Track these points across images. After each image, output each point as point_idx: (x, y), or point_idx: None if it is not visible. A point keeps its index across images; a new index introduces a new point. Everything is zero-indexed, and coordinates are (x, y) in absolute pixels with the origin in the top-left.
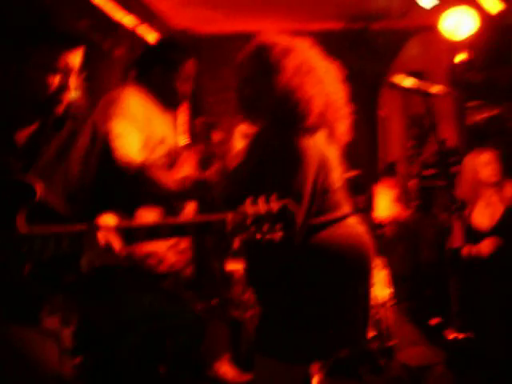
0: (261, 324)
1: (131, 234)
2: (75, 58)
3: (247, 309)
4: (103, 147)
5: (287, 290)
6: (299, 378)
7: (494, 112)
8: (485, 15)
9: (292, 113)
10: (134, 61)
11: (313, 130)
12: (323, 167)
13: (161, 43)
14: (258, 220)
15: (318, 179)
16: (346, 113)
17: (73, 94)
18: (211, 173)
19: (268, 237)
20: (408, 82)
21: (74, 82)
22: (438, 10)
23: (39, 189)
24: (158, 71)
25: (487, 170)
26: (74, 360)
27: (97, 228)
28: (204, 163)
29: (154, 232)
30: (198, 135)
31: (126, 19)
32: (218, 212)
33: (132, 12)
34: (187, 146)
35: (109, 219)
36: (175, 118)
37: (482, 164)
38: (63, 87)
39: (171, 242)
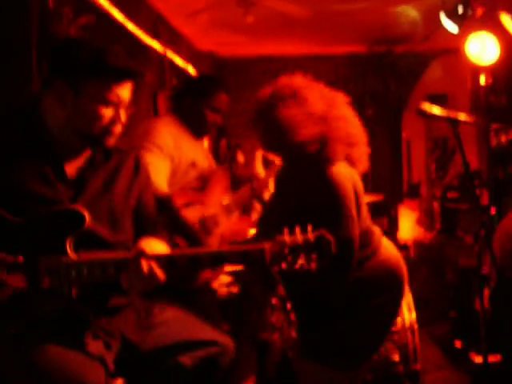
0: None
1: (173, 263)
2: (126, 91)
3: (274, 331)
4: (146, 179)
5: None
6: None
7: None
8: (507, 39)
9: (320, 154)
10: (172, 91)
11: (341, 161)
12: (359, 198)
13: (197, 77)
14: (296, 249)
15: (357, 207)
16: (363, 140)
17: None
18: (241, 195)
19: (305, 266)
20: (436, 109)
21: (124, 114)
22: (460, 33)
23: (87, 217)
24: (190, 101)
25: None
26: (117, 382)
27: (141, 256)
28: (233, 184)
29: (194, 261)
30: (223, 157)
31: (155, 43)
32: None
33: (160, 36)
34: (215, 168)
35: (152, 246)
36: (206, 144)
37: None
38: (115, 119)
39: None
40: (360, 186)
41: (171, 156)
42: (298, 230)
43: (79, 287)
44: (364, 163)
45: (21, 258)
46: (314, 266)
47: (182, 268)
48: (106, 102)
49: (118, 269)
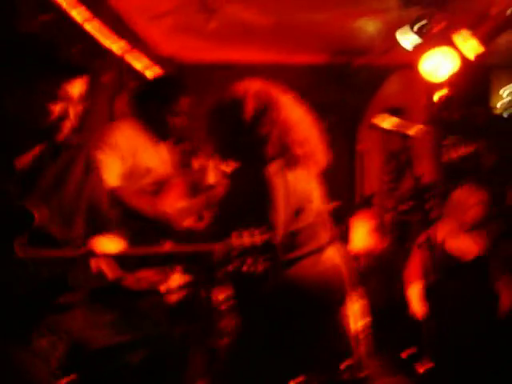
0: (235, 354)
1: (122, 262)
2: (76, 88)
3: (223, 336)
4: (97, 177)
5: (264, 319)
6: None
7: (470, 149)
8: (463, 56)
9: (267, 152)
10: (132, 95)
11: (286, 165)
12: (297, 200)
13: (158, 79)
14: (243, 252)
15: (288, 211)
16: (320, 147)
17: (72, 122)
18: (195, 202)
19: (252, 269)
20: (387, 123)
21: (74, 110)
22: (418, 48)
23: (37, 215)
24: (151, 105)
25: (475, 211)
26: (62, 381)
27: (90, 254)
28: (191, 190)
29: (144, 261)
30: (179, 162)
31: (115, 45)
32: (206, 243)
33: (121, 38)
34: (172, 174)
35: (102, 244)
36: (167, 149)
37: (472, 204)
38: (64, 115)
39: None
40: (301, 186)
41: (122, 156)
42: (245, 233)
43: (27, 285)
44: (319, 163)
45: None
46: (260, 268)
47: (131, 267)
48: (55, 98)
49: (66, 267)
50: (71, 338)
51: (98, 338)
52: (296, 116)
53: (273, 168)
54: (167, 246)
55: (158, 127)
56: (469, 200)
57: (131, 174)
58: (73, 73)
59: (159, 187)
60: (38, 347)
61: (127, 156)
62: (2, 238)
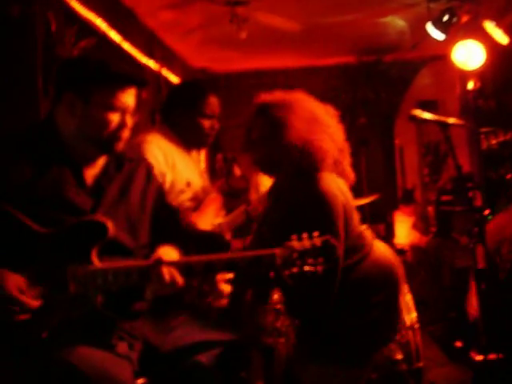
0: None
1: (190, 269)
2: (129, 97)
3: (280, 336)
4: (157, 188)
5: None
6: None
7: (507, 136)
8: (493, 44)
9: (308, 161)
10: (159, 106)
11: (329, 173)
12: (347, 207)
13: (180, 85)
14: (304, 254)
15: (344, 218)
16: (347, 152)
17: (130, 132)
18: (234, 216)
19: (313, 269)
20: (427, 114)
21: (130, 119)
22: (447, 40)
23: (111, 227)
24: (180, 112)
25: None
26: (138, 381)
27: (161, 263)
28: (228, 199)
29: (210, 267)
30: (220, 171)
31: (151, 62)
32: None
33: (155, 55)
34: (210, 189)
35: (170, 253)
36: (199, 159)
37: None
38: (122, 124)
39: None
40: (348, 195)
41: (162, 173)
42: (305, 235)
43: (104, 294)
44: (350, 174)
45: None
46: (320, 269)
47: (198, 273)
48: (113, 108)
49: (141, 275)
50: (146, 342)
51: (169, 340)
52: (331, 124)
53: (326, 177)
54: (229, 253)
55: (190, 133)
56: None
57: (172, 189)
58: (124, 82)
59: (198, 203)
60: (119, 350)
61: (167, 171)
62: (80, 250)
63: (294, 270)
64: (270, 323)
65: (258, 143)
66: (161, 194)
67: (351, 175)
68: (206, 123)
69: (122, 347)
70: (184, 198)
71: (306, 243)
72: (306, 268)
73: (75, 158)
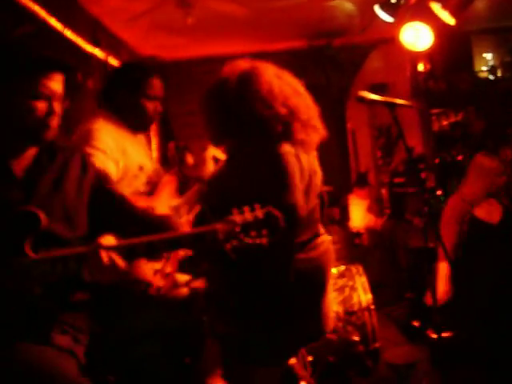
0: (238, 335)
1: (132, 251)
2: (56, 83)
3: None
4: (95, 176)
5: (265, 297)
6: (276, 379)
7: (458, 117)
8: (441, 25)
9: (267, 131)
10: (100, 91)
11: (292, 141)
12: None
13: (121, 67)
14: (247, 227)
15: (304, 189)
16: (317, 121)
17: (59, 119)
18: (189, 197)
19: (257, 241)
20: (374, 95)
21: (58, 106)
22: (396, 23)
23: (43, 217)
24: (123, 94)
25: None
26: (91, 374)
27: (99, 248)
28: (182, 187)
29: (152, 248)
30: (172, 159)
31: (96, 51)
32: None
33: (100, 43)
34: (164, 171)
35: (109, 239)
36: (148, 143)
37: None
38: (49, 112)
39: (157, 266)
40: (313, 169)
41: (115, 160)
42: (246, 208)
43: (42, 285)
44: (313, 145)
45: None
46: (265, 241)
47: (141, 255)
48: (37, 96)
49: (79, 262)
50: (90, 334)
51: (114, 331)
52: (292, 86)
53: (286, 147)
54: (172, 232)
55: (134, 116)
56: (491, 165)
57: (125, 175)
58: (46, 68)
59: (153, 187)
60: (61, 344)
61: (119, 158)
62: (13, 243)
63: (237, 243)
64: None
65: (218, 111)
66: (99, 181)
67: (314, 146)
68: (150, 105)
69: (65, 340)
70: (138, 183)
71: (248, 216)
72: (249, 241)
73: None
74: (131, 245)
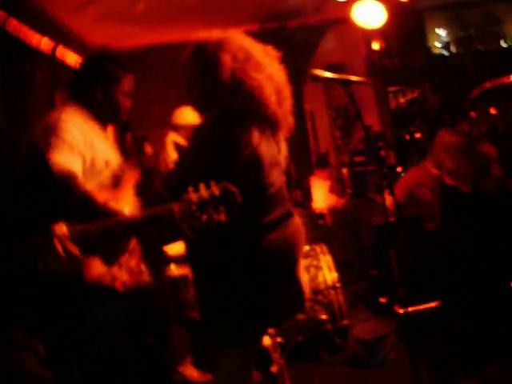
0: (205, 316)
1: (86, 238)
2: None
3: (194, 308)
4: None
5: (229, 276)
6: (249, 359)
7: (414, 94)
8: (394, 1)
9: (241, 100)
10: (70, 80)
11: (263, 120)
12: (270, 162)
13: (99, 58)
14: (203, 205)
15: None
16: (288, 95)
17: None
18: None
19: (215, 217)
20: (328, 73)
21: None
22: (349, 2)
23: None
24: (101, 86)
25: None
26: (52, 368)
27: (52, 236)
28: (144, 179)
29: (108, 233)
30: (130, 150)
31: (43, 42)
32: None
33: (48, 34)
34: (126, 164)
35: (62, 227)
36: (115, 136)
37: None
38: None
39: (122, 260)
40: (278, 146)
41: (81, 153)
42: (202, 186)
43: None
44: (289, 118)
45: None
46: (223, 217)
47: (96, 241)
48: None
49: (33, 253)
50: (49, 327)
51: (76, 323)
52: (262, 57)
53: (250, 122)
54: (128, 215)
55: (108, 110)
56: (451, 140)
57: (92, 169)
58: None
59: (117, 180)
60: (19, 340)
61: (86, 153)
62: None
63: (194, 222)
64: (191, 297)
65: (193, 82)
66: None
67: (290, 120)
68: (125, 101)
69: (22, 335)
70: (103, 178)
71: (204, 193)
72: (205, 216)
73: None
74: (85, 230)
